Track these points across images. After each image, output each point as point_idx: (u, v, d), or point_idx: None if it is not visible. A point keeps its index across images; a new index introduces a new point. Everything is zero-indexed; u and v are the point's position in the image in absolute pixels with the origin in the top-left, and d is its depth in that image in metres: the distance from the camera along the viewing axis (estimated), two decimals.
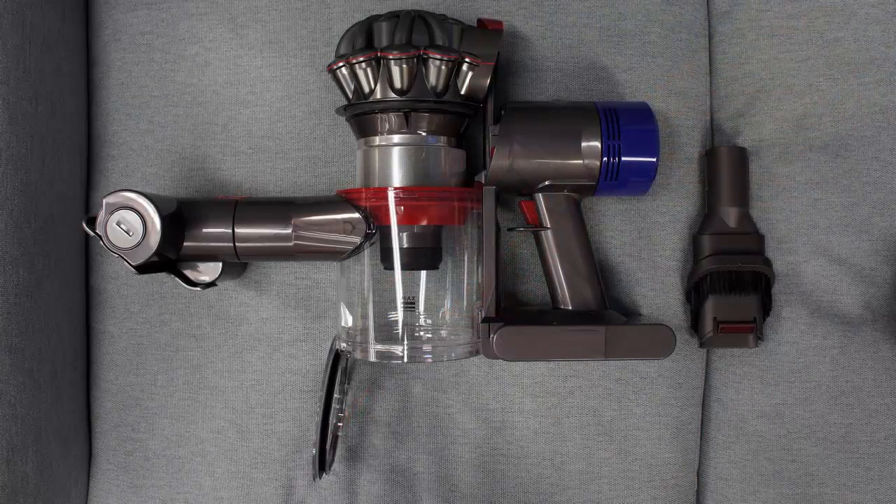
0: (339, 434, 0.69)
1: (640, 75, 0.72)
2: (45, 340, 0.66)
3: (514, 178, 0.64)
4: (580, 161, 0.63)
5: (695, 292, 0.71)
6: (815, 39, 0.72)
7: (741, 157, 0.71)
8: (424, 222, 0.63)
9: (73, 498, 0.72)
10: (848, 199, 0.72)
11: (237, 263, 0.66)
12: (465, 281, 0.66)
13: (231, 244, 0.62)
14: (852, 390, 0.72)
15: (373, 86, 0.61)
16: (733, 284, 0.70)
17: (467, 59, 0.62)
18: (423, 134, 0.62)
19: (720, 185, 0.71)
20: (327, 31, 0.71)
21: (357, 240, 0.62)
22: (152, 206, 0.58)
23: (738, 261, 0.70)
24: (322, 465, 0.64)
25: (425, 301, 0.64)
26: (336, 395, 0.66)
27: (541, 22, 0.71)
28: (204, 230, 0.62)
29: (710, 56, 0.75)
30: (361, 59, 0.60)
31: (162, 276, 0.69)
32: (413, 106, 0.61)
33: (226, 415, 0.71)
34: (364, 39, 0.62)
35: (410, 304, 0.64)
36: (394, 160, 0.62)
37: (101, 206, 0.58)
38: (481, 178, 0.65)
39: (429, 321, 0.65)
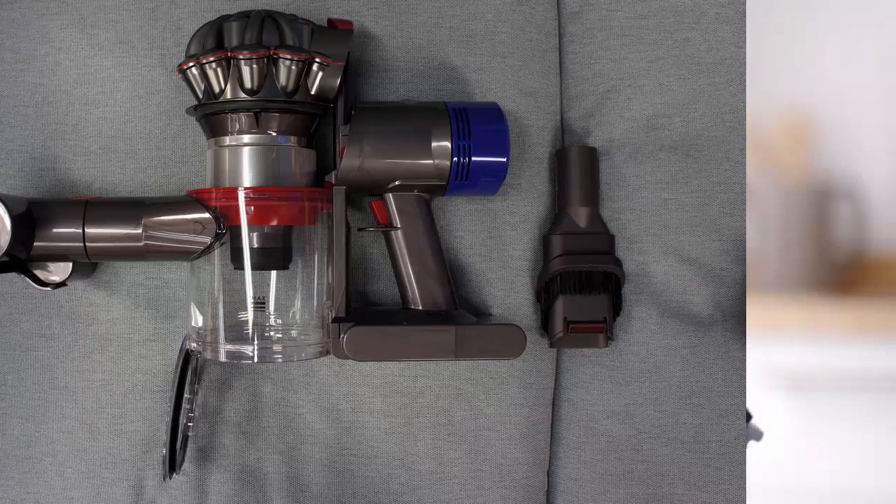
0: (190, 434, 0.68)
1: (490, 75, 0.72)
2: None
3: (364, 177, 0.64)
4: (430, 161, 0.64)
5: (545, 292, 0.71)
6: (666, 39, 0.72)
7: (591, 157, 0.71)
8: (274, 222, 0.63)
9: None
10: (698, 199, 0.72)
11: (87, 263, 0.66)
12: (316, 281, 0.66)
13: (81, 244, 0.62)
14: (702, 390, 0.72)
15: (223, 86, 0.61)
16: (583, 284, 0.70)
17: (317, 59, 0.62)
18: (274, 134, 0.62)
19: (570, 184, 0.71)
20: (177, 31, 0.71)
21: (207, 240, 0.62)
22: (2, 205, 0.57)
23: (589, 261, 0.70)
24: (172, 465, 0.64)
25: (275, 301, 0.64)
26: (186, 395, 0.65)
27: (391, 22, 0.71)
28: (54, 230, 0.61)
29: (560, 56, 0.75)
30: (212, 59, 0.60)
31: (12, 275, 0.69)
32: (263, 106, 0.61)
33: (76, 415, 0.71)
34: (214, 39, 0.62)
35: (260, 304, 0.64)
36: (244, 160, 0.62)
37: None
38: (331, 178, 0.65)
39: (279, 321, 0.65)
